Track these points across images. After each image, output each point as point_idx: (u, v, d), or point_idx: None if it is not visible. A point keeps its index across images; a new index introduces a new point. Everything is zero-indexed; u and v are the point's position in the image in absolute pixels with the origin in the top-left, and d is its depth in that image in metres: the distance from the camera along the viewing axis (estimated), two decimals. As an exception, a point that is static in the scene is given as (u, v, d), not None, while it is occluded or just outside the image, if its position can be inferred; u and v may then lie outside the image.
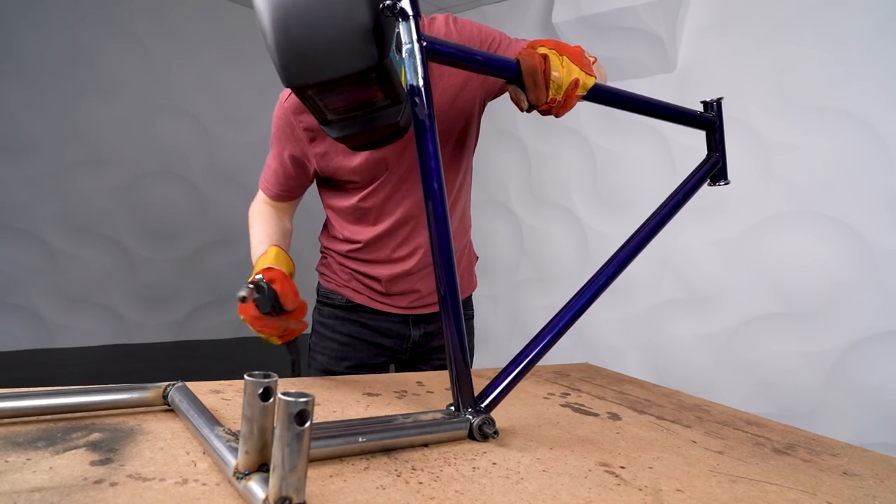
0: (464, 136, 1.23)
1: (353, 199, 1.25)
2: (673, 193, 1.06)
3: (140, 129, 4.33)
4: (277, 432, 0.51)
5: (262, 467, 0.58)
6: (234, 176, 4.66)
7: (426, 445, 0.79)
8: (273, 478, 0.52)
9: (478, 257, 1.49)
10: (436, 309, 1.36)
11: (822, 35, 2.79)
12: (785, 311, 2.90)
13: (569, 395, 1.16)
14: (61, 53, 3.94)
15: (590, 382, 1.29)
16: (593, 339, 3.59)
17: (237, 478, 0.58)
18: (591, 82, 0.90)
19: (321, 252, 1.42)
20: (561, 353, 3.54)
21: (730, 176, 3.23)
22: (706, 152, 1.19)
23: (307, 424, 0.51)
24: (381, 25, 0.79)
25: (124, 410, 0.80)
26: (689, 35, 3.26)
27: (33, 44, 3.84)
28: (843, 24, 2.72)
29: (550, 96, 0.87)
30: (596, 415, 1.03)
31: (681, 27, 3.25)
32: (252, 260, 1.23)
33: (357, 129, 0.97)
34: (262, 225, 1.28)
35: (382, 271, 1.30)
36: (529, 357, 0.89)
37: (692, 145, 2.96)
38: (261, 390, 0.57)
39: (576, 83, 0.88)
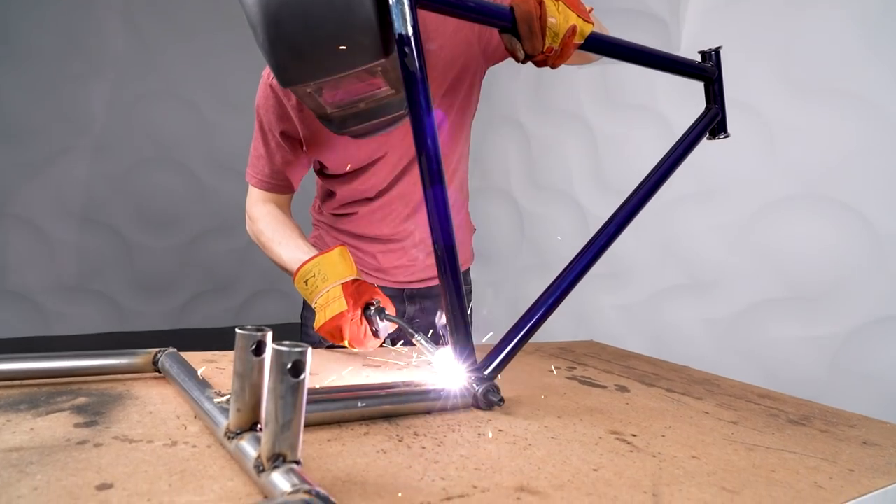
0: (464, 104, 1.18)
1: (350, 178, 1.20)
2: (672, 148, 1.02)
3: (137, 116, 4.27)
4: (270, 385, 0.48)
5: (254, 426, 0.55)
6: (232, 163, 4.60)
7: (429, 413, 0.76)
8: (265, 434, 0.48)
9: (475, 229, 1.44)
10: (431, 283, 1.32)
11: (828, 16, 2.74)
12: (789, 295, 2.87)
13: (575, 368, 1.12)
14: (56, 37, 3.88)
15: (595, 357, 1.26)
16: (595, 326, 3.56)
17: (228, 438, 0.55)
18: (588, 29, 0.85)
19: (313, 225, 1.37)
20: (562, 339, 3.51)
21: (734, 160, 3.17)
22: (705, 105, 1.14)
23: (302, 377, 0.48)
24: (386, 15, 0.75)
25: (113, 377, 0.77)
26: (693, 17, 3.20)
27: (28, 28, 3.78)
28: (849, 5, 2.67)
29: (547, 45, 0.82)
30: (604, 387, 1.00)
31: (684, 9, 3.20)
32: (286, 262, 1.10)
33: (358, 123, 0.93)
34: (278, 224, 1.16)
35: (375, 246, 1.25)
36: (533, 321, 0.86)
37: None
38: (253, 345, 0.53)
39: (573, 30, 0.83)
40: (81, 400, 0.67)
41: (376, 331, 0.96)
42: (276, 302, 4.92)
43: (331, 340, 0.97)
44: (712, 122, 1.09)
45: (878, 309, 2.60)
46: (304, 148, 1.15)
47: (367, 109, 0.92)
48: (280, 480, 0.46)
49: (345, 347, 1.01)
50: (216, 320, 4.69)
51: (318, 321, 0.96)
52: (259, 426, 0.55)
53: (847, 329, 2.68)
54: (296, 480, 0.46)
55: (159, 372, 0.78)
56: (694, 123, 1.07)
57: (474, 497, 0.53)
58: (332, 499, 0.44)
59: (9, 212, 3.82)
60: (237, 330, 0.54)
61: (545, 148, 3.93)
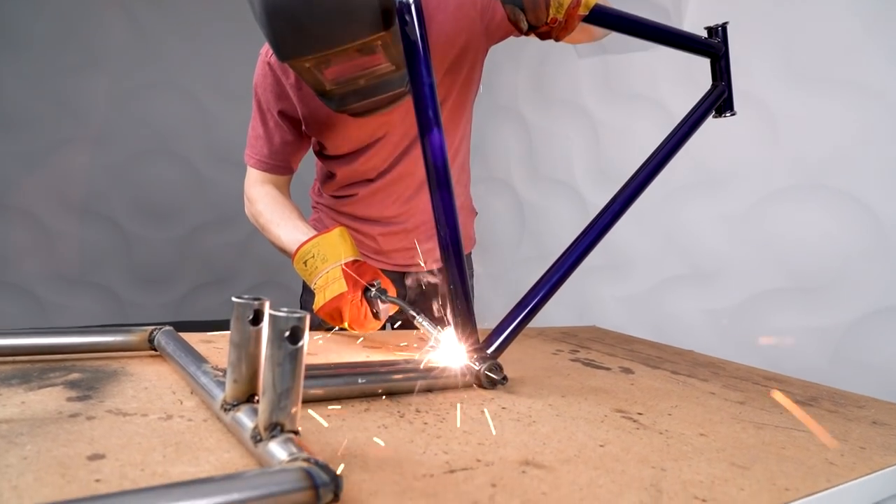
0: (466, 82, 1.16)
1: (350, 159, 1.18)
2: (678, 126, 1.00)
3: (135, 106, 4.25)
4: (267, 352, 0.46)
5: (251, 398, 0.53)
6: (231, 155, 4.55)
7: (430, 391, 0.74)
8: (263, 403, 0.46)
9: (476, 212, 1.42)
10: (432, 267, 1.30)
11: (830, 4, 2.71)
12: (792, 286, 2.85)
13: (578, 351, 1.11)
14: (53, 27, 3.85)
15: (599, 342, 1.24)
16: (596, 316, 3.54)
17: (225, 410, 0.53)
18: (592, 1, 0.84)
19: (313, 208, 1.35)
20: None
21: (736, 149, 3.14)
22: (712, 83, 1.12)
23: (301, 343, 0.46)
24: None
25: (108, 354, 0.75)
26: (695, 5, 3.18)
27: (26, 19, 3.76)
28: (853, -8, 2.65)
29: (551, 16, 0.80)
30: (608, 369, 0.98)
31: (686, -3, 3.17)
32: (284, 243, 1.07)
33: (358, 100, 0.91)
34: (276, 205, 1.13)
35: (376, 229, 1.23)
36: (535, 301, 0.84)
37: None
38: (250, 314, 0.52)
39: (577, 1, 0.81)
40: (75, 376, 0.65)
41: (377, 312, 0.94)
42: (276, 294, 4.89)
43: (330, 322, 0.96)
44: (718, 100, 1.08)
45: (881, 298, 2.59)
46: (304, 127, 1.13)
47: (367, 86, 0.90)
48: (277, 450, 0.45)
49: (345, 330, 0.99)
50: (215, 312, 4.68)
51: (318, 302, 0.94)
52: (256, 398, 0.53)
53: (850, 319, 2.67)
54: (294, 450, 0.44)
55: (155, 350, 0.77)
56: (700, 101, 1.05)
57: (478, 470, 0.51)
58: (332, 468, 0.42)
59: (8, 203, 3.80)
60: (233, 299, 0.53)
61: (546, 138, 3.91)
